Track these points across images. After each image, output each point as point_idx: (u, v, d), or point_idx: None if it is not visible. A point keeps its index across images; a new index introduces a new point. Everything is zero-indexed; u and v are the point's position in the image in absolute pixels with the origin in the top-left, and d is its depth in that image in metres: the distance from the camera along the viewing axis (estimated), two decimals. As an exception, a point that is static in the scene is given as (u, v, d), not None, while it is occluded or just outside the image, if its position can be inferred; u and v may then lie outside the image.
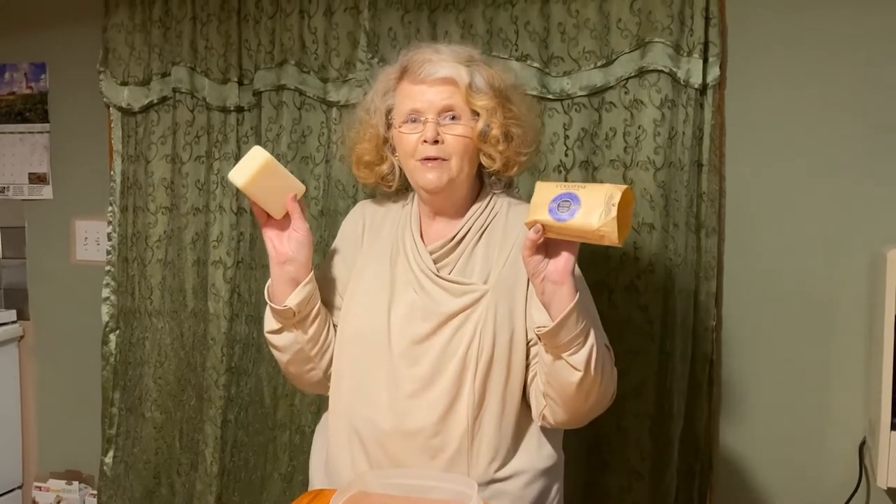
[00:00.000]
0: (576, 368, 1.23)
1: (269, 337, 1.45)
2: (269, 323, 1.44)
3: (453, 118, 1.37)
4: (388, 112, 1.43)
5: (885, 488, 1.72)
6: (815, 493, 1.94)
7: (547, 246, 1.22)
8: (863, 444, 1.88)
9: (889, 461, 1.66)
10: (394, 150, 1.45)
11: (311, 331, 1.42)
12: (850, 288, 1.89)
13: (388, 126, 1.44)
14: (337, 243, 1.54)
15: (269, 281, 1.42)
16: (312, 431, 2.15)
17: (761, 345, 1.96)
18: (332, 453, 1.45)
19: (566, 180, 1.97)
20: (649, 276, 1.92)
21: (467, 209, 1.43)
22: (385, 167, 1.47)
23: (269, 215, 1.40)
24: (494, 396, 1.34)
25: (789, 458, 1.95)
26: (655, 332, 1.92)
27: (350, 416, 1.40)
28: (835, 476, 1.91)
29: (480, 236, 1.41)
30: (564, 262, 1.21)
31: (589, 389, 1.26)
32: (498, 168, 1.42)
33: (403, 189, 1.51)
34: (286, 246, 1.39)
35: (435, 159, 1.36)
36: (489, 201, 1.44)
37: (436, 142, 1.35)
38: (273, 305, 1.40)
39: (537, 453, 1.39)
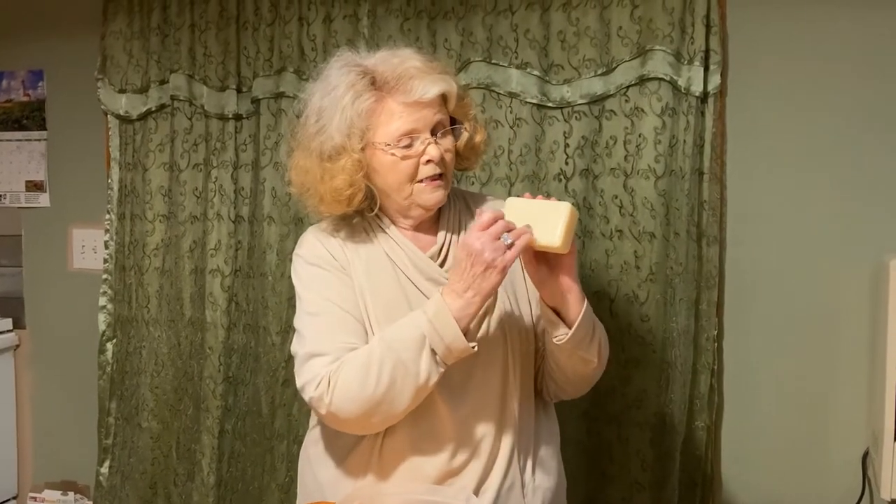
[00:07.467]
0: (590, 360, 1.31)
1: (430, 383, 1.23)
2: (435, 370, 1.22)
3: (443, 133, 1.31)
4: (362, 133, 1.28)
5: (889, 500, 1.71)
6: (818, 505, 1.93)
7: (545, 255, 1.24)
8: (866, 454, 1.87)
9: (893, 472, 1.65)
10: (366, 174, 1.31)
11: None
12: (853, 297, 1.87)
13: (362, 147, 1.29)
14: (320, 275, 1.34)
15: (457, 319, 1.20)
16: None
17: (763, 355, 1.94)
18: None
19: (566, 189, 1.97)
20: (650, 286, 1.91)
21: (439, 213, 1.39)
22: (361, 194, 1.32)
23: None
24: (527, 389, 1.37)
25: (792, 469, 1.94)
26: (657, 342, 1.91)
27: (411, 439, 1.31)
28: (838, 487, 1.90)
29: (460, 235, 1.37)
30: (566, 269, 1.24)
31: (596, 371, 1.35)
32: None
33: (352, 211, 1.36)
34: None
35: (439, 177, 1.31)
36: (451, 199, 1.40)
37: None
38: (470, 346, 1.22)
39: (556, 444, 1.44)
